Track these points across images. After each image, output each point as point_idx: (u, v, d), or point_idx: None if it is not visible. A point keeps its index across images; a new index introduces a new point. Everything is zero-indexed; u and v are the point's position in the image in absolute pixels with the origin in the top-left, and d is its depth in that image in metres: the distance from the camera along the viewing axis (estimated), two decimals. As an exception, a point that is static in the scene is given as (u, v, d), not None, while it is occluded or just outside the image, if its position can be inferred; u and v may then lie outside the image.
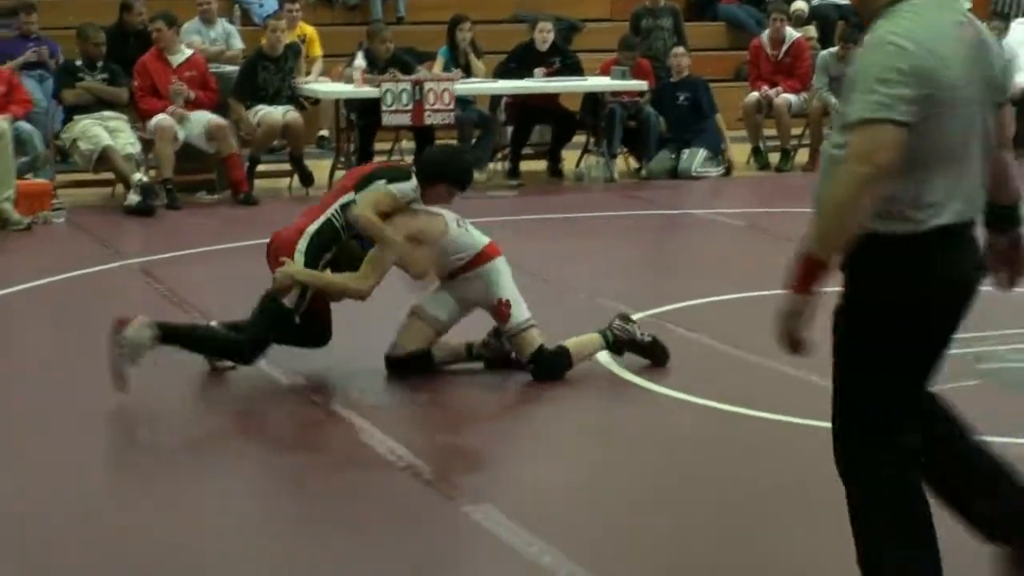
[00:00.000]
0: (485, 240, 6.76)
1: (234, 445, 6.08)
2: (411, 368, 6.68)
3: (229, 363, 6.70)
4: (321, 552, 4.69)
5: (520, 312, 6.66)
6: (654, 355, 6.82)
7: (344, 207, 6.58)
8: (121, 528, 4.94)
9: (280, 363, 6.71)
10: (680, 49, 13.52)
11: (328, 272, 6.65)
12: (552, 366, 6.63)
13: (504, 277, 6.71)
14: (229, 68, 12.76)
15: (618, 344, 6.81)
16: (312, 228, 6.60)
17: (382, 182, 6.58)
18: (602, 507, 5.18)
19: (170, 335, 6.45)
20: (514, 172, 13.00)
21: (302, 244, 6.56)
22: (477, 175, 12.72)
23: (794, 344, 3.77)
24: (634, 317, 7.08)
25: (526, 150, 13.31)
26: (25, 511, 5.06)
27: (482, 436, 6.18)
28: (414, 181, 6.64)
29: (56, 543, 4.78)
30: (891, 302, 3.77)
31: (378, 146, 12.82)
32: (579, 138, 13.43)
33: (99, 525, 4.97)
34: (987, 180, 3.85)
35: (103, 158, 11.38)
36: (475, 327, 6.76)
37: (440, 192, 6.73)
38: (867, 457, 3.84)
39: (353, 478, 5.45)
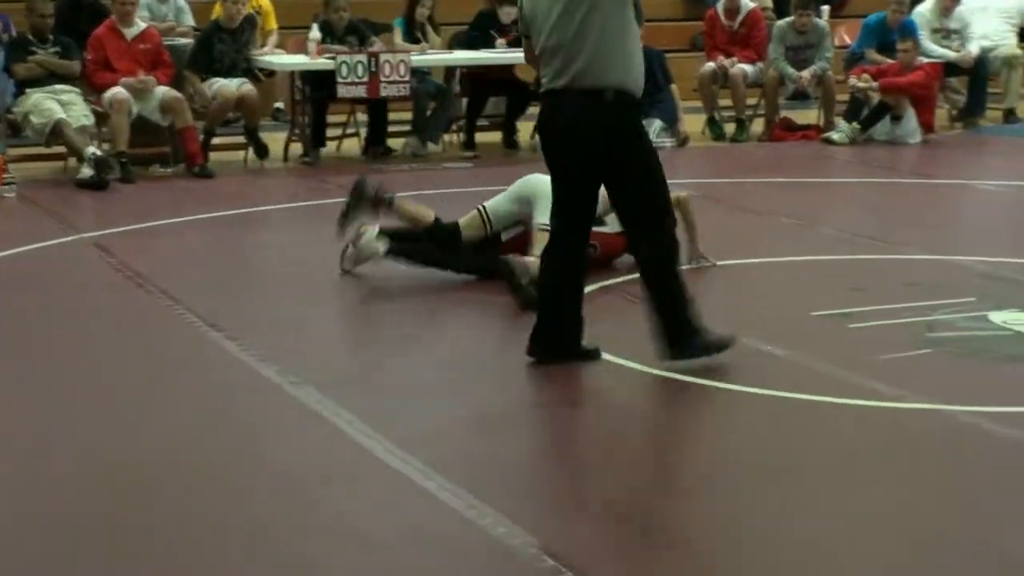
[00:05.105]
0: None
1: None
2: None
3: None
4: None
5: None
6: None
7: None
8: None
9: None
10: (629, 21, 13.44)
11: None
12: None
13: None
14: (183, 41, 12.68)
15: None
16: None
17: None
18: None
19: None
20: (469, 144, 12.99)
21: None
22: (432, 147, 12.79)
23: None
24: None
25: (481, 121, 13.31)
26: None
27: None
28: None
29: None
30: None
31: (332, 119, 12.78)
32: (534, 109, 13.41)
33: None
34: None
35: (56, 132, 11.31)
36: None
37: None
38: None
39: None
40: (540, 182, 7.76)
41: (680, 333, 6.20)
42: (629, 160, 6.14)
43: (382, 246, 7.83)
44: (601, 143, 6.08)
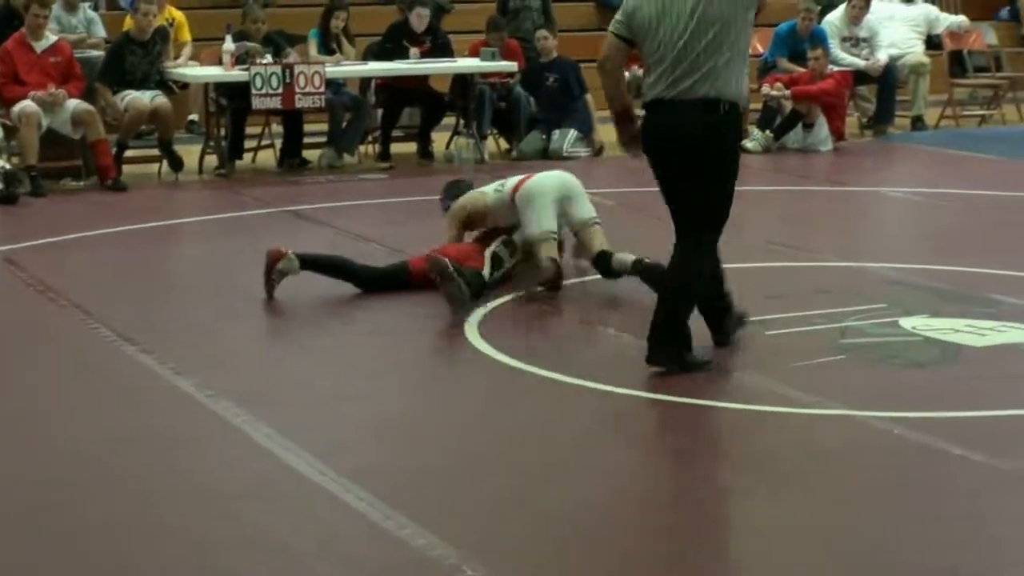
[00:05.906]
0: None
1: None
2: None
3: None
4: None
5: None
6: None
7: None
8: None
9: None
10: (543, 32, 13.57)
11: None
12: None
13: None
14: (95, 53, 12.57)
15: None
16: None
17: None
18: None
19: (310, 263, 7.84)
20: (385, 155, 12.97)
21: None
22: (348, 158, 12.77)
23: None
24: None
25: (396, 132, 13.30)
26: None
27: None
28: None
29: None
30: None
31: (247, 130, 12.71)
32: (449, 120, 13.44)
33: None
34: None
35: (-36, 146, 11.19)
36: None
37: None
38: None
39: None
40: (564, 181, 8.14)
41: (664, 340, 6.27)
42: (720, 170, 6.24)
43: (295, 261, 7.76)
44: (707, 151, 6.18)
